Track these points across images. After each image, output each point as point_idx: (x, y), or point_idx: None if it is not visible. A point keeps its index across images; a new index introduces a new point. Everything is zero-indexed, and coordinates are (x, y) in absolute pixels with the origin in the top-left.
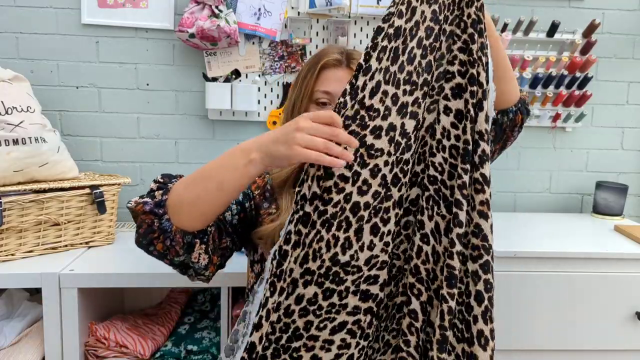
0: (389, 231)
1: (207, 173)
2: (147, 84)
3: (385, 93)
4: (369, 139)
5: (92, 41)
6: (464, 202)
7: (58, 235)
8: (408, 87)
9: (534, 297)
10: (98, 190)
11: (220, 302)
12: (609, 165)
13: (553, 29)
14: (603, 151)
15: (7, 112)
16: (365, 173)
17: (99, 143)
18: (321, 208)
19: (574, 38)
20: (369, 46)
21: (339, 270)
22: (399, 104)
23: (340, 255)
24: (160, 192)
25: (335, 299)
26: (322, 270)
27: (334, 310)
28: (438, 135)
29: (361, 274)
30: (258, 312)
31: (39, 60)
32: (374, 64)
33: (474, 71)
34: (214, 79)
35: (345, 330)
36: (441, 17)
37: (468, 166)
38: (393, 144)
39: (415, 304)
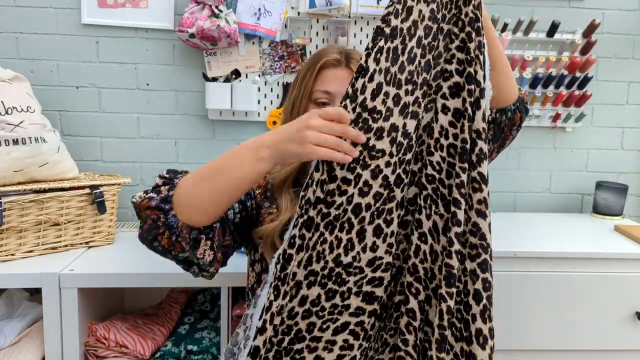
0: (393, 232)
1: (217, 169)
2: (147, 84)
3: (387, 94)
4: (372, 141)
5: (92, 41)
6: (462, 201)
7: (58, 235)
8: (410, 87)
9: (534, 297)
10: (98, 190)
11: (220, 302)
12: (609, 165)
13: (553, 29)
14: (603, 151)
15: (7, 112)
16: (366, 174)
17: (99, 143)
18: (324, 211)
19: (574, 38)
20: (369, 47)
21: (341, 272)
22: (401, 105)
23: (343, 257)
24: (167, 187)
25: (337, 299)
26: (326, 272)
27: (336, 311)
28: (436, 134)
29: (363, 275)
30: (261, 315)
31: (39, 60)
32: (372, 65)
33: (472, 70)
34: (214, 79)
35: (347, 331)
36: (439, 16)
37: (466, 165)
38: (395, 145)
39: (413, 303)
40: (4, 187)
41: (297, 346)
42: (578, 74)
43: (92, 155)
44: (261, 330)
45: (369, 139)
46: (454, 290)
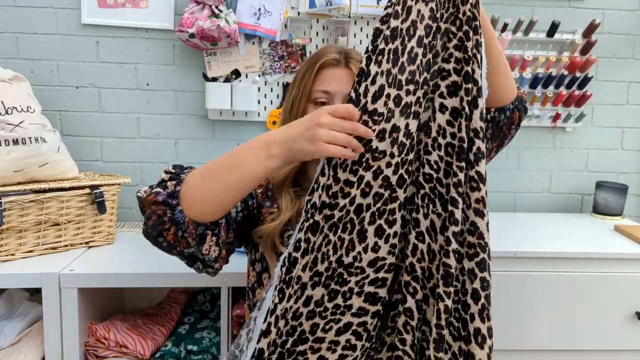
0: (396, 233)
1: (227, 165)
2: (147, 84)
3: (388, 96)
4: (374, 143)
5: (92, 41)
6: (459, 200)
7: (58, 235)
8: (411, 87)
9: (534, 297)
10: (98, 190)
11: (220, 302)
12: (609, 165)
13: (553, 29)
14: (603, 151)
15: (7, 112)
16: (368, 176)
17: (99, 143)
18: (328, 213)
19: (574, 38)
20: (369, 50)
21: (343, 272)
22: (402, 105)
23: (344, 257)
24: (173, 182)
25: (339, 300)
26: (329, 272)
27: (338, 312)
28: (434, 133)
29: (364, 275)
30: (266, 318)
31: (39, 60)
32: (373, 68)
33: (469, 68)
34: (214, 79)
35: (350, 332)
36: (438, 15)
37: (463, 164)
38: (396, 145)
39: (410, 302)
40: (4, 187)
41: (301, 347)
42: (578, 74)
43: (92, 155)
44: (265, 333)
45: (372, 142)
46: (451, 289)
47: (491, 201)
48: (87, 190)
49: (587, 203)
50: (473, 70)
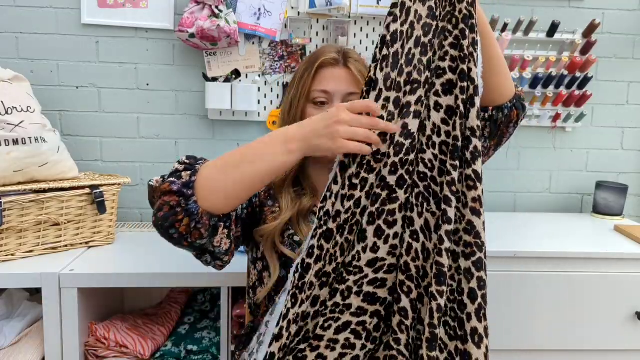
0: (396, 234)
1: (244, 158)
2: (147, 84)
3: (387, 99)
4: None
5: (92, 41)
6: (452, 198)
7: (58, 235)
8: (409, 87)
9: (534, 297)
10: (98, 190)
11: (220, 302)
12: (609, 165)
13: (553, 29)
14: (603, 151)
15: (7, 112)
16: (372, 178)
17: (99, 143)
18: (341, 221)
19: (574, 38)
20: (376, 58)
21: (342, 270)
22: (400, 106)
23: (346, 257)
24: (188, 172)
25: (338, 298)
26: (335, 273)
27: (338, 310)
28: (428, 132)
29: (363, 274)
30: (278, 322)
31: (39, 60)
32: (379, 75)
33: (465, 67)
34: (214, 79)
35: (349, 331)
36: (437, 13)
37: (457, 162)
38: (393, 146)
39: (405, 302)
40: (4, 187)
41: (302, 345)
42: (578, 74)
43: (92, 155)
44: (277, 337)
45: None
46: (444, 288)
47: (491, 201)
48: (87, 190)
49: (587, 203)
50: (469, 69)
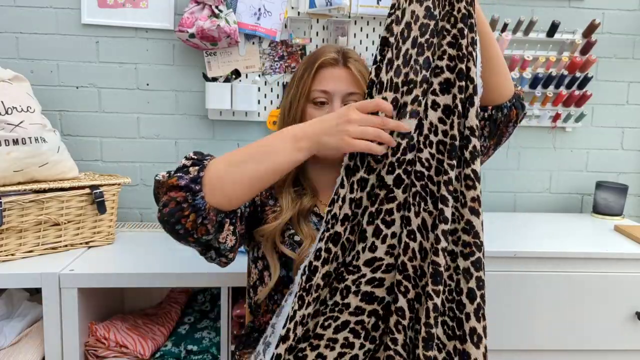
0: (394, 234)
1: (254, 154)
2: (147, 84)
3: (385, 99)
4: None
5: (92, 41)
6: (449, 198)
7: (58, 235)
8: (406, 88)
9: (534, 297)
10: (98, 190)
11: (220, 302)
12: (609, 165)
13: (553, 29)
14: (603, 151)
15: (7, 112)
16: (372, 179)
17: (99, 143)
18: (349, 226)
19: (574, 38)
20: (377, 60)
21: (342, 269)
22: (398, 106)
23: (347, 256)
24: (196, 168)
25: (337, 297)
26: (336, 272)
27: (337, 309)
28: (425, 131)
29: (361, 274)
30: (285, 324)
31: (39, 60)
32: (384, 77)
33: (463, 66)
34: (214, 79)
35: (348, 330)
36: (435, 13)
37: (454, 162)
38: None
39: (402, 302)
40: (4, 187)
41: (302, 344)
42: (578, 74)
43: (92, 155)
44: (284, 339)
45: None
46: (440, 287)
47: (491, 201)
48: (87, 190)
49: (587, 203)
50: (468, 68)
